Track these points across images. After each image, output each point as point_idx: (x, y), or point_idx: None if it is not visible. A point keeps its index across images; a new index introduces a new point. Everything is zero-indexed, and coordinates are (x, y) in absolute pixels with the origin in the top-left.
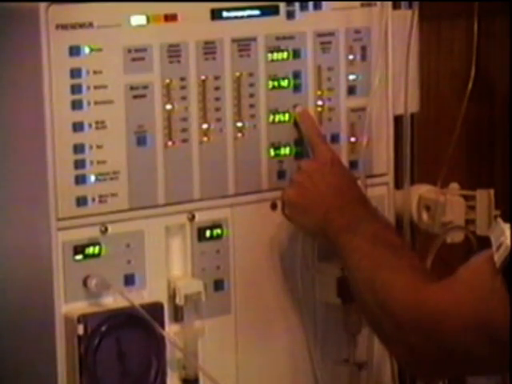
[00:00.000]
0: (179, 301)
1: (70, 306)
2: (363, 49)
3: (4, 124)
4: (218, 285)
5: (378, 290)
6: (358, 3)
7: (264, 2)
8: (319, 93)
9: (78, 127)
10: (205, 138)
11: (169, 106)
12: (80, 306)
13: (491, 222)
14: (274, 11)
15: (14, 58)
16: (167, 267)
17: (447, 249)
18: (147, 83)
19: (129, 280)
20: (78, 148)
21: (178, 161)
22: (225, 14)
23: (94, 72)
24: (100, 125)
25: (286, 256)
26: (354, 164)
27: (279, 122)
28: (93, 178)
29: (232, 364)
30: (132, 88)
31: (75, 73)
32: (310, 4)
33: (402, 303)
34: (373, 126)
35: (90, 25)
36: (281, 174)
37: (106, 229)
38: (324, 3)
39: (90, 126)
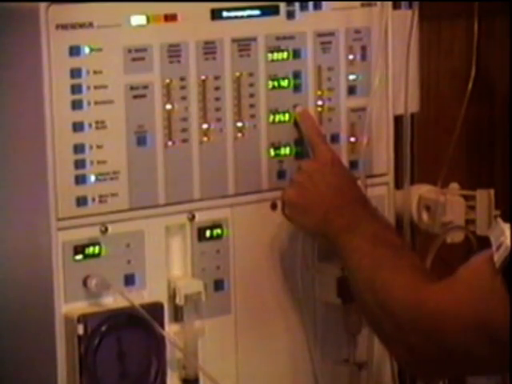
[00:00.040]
0: (179, 301)
1: (70, 306)
2: (363, 49)
3: (4, 124)
4: (218, 285)
5: (378, 290)
6: (358, 3)
7: (264, 2)
8: (319, 93)
9: (78, 127)
10: (205, 138)
11: (169, 106)
12: (80, 306)
13: (491, 222)
14: (274, 11)
15: (13, 58)
16: (167, 267)
17: (447, 249)
18: (147, 83)
19: (129, 280)
20: (78, 148)
21: (178, 161)
22: (225, 13)
23: (94, 72)
24: (100, 125)
25: (285, 256)
26: (354, 164)
27: (279, 121)
28: (93, 177)
29: (232, 364)
30: (132, 88)
31: (75, 73)
32: (310, 4)
33: (402, 303)
34: (373, 125)
35: (90, 25)
36: (281, 174)
37: (106, 229)
38: (324, 3)
39: (90, 125)
